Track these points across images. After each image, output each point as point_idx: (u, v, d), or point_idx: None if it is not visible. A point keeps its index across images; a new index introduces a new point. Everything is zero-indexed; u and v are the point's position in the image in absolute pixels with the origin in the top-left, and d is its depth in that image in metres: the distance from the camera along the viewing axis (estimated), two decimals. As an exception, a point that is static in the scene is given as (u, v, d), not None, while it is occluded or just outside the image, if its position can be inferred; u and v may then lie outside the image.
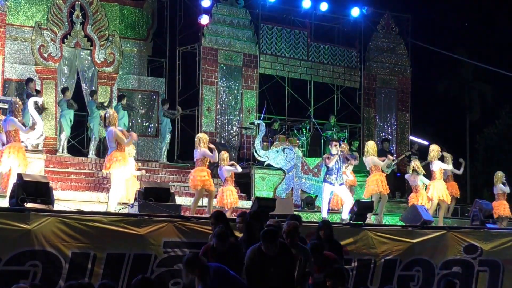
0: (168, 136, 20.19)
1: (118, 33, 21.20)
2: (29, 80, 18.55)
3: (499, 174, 17.77)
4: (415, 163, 16.68)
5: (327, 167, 15.69)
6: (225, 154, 15.61)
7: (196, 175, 14.76)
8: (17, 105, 12.95)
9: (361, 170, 18.40)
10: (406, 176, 17.20)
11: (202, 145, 14.84)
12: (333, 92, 24.32)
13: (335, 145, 15.72)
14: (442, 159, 16.70)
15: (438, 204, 16.49)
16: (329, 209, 15.92)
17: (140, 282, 7.16)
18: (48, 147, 18.86)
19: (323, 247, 9.70)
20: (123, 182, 13.27)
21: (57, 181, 16.87)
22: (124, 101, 19.65)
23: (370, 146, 16.41)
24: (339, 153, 15.61)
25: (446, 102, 32.10)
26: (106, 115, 13.22)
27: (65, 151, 18.78)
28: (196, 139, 15.12)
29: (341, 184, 15.61)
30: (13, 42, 19.89)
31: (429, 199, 16.23)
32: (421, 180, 16.51)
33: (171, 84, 22.08)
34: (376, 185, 16.01)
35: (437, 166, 16.24)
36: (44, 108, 18.36)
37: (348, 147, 17.82)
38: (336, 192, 15.73)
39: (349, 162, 16.22)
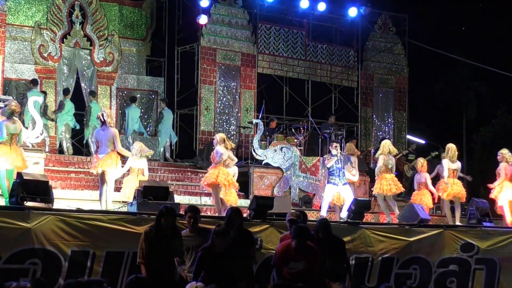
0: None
1: (117, 33, 21.28)
2: (35, 81, 18.74)
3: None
4: (422, 162, 16.62)
5: (328, 168, 15.79)
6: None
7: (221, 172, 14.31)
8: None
9: (362, 169, 18.53)
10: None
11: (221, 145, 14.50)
12: (330, 91, 24.43)
13: (335, 147, 15.81)
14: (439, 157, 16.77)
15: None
16: (329, 208, 15.97)
17: (134, 282, 7.26)
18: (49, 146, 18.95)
19: (304, 235, 9.66)
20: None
21: (57, 180, 16.94)
22: (136, 103, 19.84)
23: (388, 144, 16.37)
24: (339, 154, 15.72)
25: (443, 102, 32.16)
26: (104, 114, 13.28)
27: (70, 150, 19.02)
28: (217, 139, 14.38)
29: (344, 184, 15.72)
30: (13, 41, 19.98)
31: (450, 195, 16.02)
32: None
33: (170, 83, 22.18)
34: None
35: (458, 165, 16.11)
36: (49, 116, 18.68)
37: (354, 145, 17.92)
38: (340, 192, 15.76)
39: (352, 164, 16.35)
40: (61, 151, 19.20)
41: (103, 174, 12.98)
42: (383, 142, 16.33)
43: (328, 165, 15.62)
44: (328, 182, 15.78)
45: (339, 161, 15.66)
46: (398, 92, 25.05)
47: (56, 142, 19.37)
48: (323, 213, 15.52)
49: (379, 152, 16.13)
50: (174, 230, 9.63)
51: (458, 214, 15.94)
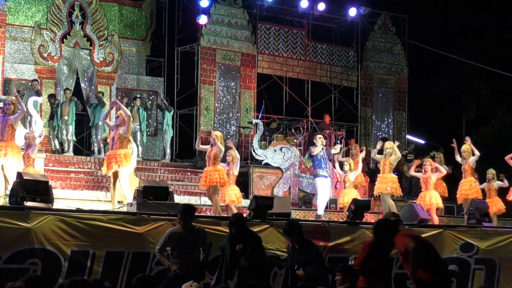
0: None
1: (117, 33, 21.31)
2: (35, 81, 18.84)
3: (494, 171, 17.76)
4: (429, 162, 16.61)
5: (314, 160, 15.91)
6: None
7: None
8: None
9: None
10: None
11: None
12: (330, 91, 24.44)
13: (319, 138, 16.04)
14: (433, 158, 16.78)
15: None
16: (326, 207, 16.00)
17: (141, 281, 7.26)
18: (47, 146, 18.94)
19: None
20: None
21: (57, 180, 16.95)
22: (138, 102, 19.88)
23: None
24: (323, 146, 16.00)
25: (442, 101, 32.21)
26: (118, 114, 13.33)
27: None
28: (218, 138, 14.31)
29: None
30: (13, 42, 20.01)
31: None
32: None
33: (170, 83, 22.19)
34: None
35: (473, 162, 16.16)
36: None
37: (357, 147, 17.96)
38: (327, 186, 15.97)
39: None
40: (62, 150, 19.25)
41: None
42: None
43: (314, 153, 15.82)
44: (316, 175, 15.84)
45: (323, 153, 16.02)
46: (397, 92, 25.07)
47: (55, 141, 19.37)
48: (320, 211, 15.57)
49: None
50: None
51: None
